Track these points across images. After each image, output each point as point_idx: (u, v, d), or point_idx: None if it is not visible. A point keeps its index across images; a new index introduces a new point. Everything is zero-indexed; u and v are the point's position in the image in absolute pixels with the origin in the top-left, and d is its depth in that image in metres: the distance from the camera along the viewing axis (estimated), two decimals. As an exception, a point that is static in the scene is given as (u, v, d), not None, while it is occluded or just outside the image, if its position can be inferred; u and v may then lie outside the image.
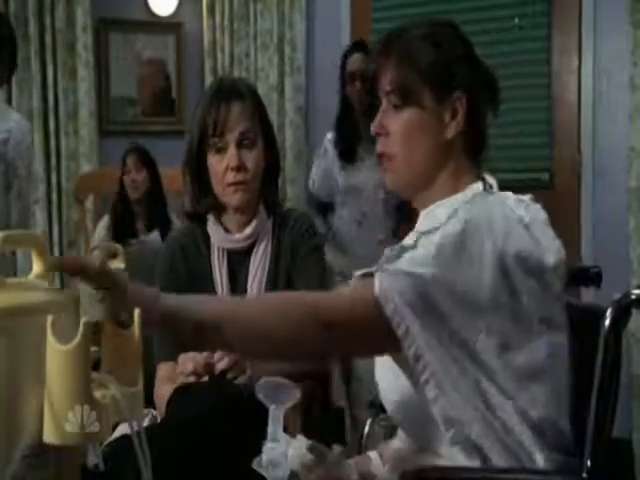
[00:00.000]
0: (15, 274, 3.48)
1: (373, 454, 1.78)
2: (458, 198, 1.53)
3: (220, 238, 2.21)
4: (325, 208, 4.17)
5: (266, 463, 1.44)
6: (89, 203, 4.90)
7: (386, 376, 1.60)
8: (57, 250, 4.89)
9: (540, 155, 4.32)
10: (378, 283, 1.40)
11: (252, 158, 2.15)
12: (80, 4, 4.98)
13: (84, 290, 1.25)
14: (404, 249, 1.44)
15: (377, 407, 1.82)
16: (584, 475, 1.31)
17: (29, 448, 1.06)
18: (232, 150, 2.13)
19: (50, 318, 1.04)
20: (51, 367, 1.04)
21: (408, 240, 1.48)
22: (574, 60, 4.24)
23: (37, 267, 1.19)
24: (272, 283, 2.20)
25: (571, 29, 4.23)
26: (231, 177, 2.14)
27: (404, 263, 1.41)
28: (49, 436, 1.04)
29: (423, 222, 1.55)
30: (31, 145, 3.54)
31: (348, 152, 3.99)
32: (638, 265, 3.89)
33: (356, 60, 3.95)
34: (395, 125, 1.59)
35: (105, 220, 4.58)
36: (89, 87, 5.04)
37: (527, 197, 1.53)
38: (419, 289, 1.37)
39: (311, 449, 1.44)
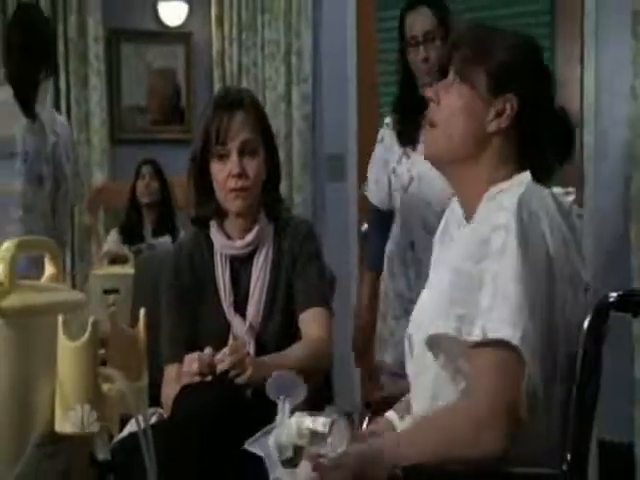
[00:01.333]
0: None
1: (390, 414, 1.82)
2: (513, 192, 1.54)
3: (222, 244, 2.28)
4: (389, 221, 3.22)
5: (273, 447, 1.51)
6: (100, 214, 5.02)
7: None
8: (69, 254, 4.97)
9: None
10: (511, 333, 1.39)
11: (253, 166, 2.23)
12: (92, 15, 5.07)
13: None
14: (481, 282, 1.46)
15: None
16: (564, 467, 1.37)
17: (42, 437, 1.14)
18: (234, 158, 2.21)
19: (61, 317, 1.12)
20: (61, 362, 1.12)
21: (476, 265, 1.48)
22: (576, 70, 4.29)
23: (49, 270, 1.27)
24: (273, 288, 2.27)
25: (573, 40, 4.28)
26: (232, 183, 2.21)
27: (503, 308, 1.41)
28: (60, 425, 1.12)
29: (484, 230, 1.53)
30: (75, 147, 3.66)
31: (410, 132, 3.03)
32: (639, 272, 3.91)
33: (417, 20, 3.05)
34: (445, 96, 1.65)
35: (115, 231, 4.74)
36: (101, 96, 5.13)
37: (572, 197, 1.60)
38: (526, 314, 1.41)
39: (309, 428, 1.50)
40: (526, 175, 1.60)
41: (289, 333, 2.25)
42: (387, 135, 3.19)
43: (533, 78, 1.65)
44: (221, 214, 2.29)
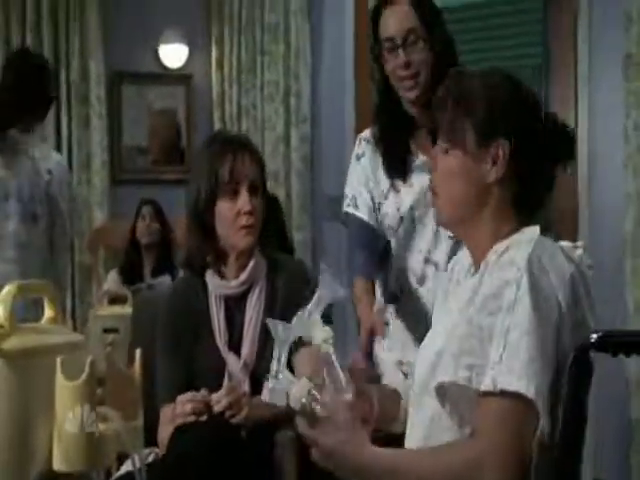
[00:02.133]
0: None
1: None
2: (521, 245, 1.56)
3: (217, 285, 2.32)
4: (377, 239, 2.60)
5: (265, 391, 1.55)
6: (100, 253, 5.08)
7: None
8: (69, 293, 5.01)
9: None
10: (525, 387, 1.41)
11: (259, 204, 2.29)
12: (94, 58, 5.17)
13: None
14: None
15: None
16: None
17: (40, 475, 1.17)
18: (245, 196, 2.25)
19: (59, 358, 1.16)
20: (59, 402, 1.16)
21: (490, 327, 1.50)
22: (570, 111, 4.35)
23: (48, 313, 1.31)
24: (267, 329, 2.30)
25: (567, 82, 4.34)
26: (244, 220, 2.25)
27: (516, 361, 1.44)
28: (59, 464, 1.16)
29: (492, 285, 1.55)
30: (71, 183, 3.70)
31: (398, 161, 2.53)
32: (634, 309, 3.95)
33: (394, 18, 2.49)
34: (440, 165, 1.68)
35: (115, 271, 4.79)
36: (102, 137, 5.21)
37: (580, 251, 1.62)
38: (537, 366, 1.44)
39: (314, 393, 1.52)
40: (535, 230, 1.62)
41: None
42: (369, 155, 2.61)
43: (518, 115, 1.64)
44: (220, 255, 2.33)
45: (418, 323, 2.46)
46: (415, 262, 2.52)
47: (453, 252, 2.37)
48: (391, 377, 2.54)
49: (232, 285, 2.32)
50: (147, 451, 2.15)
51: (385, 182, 2.56)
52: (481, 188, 1.62)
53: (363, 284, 2.50)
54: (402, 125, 2.55)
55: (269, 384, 1.55)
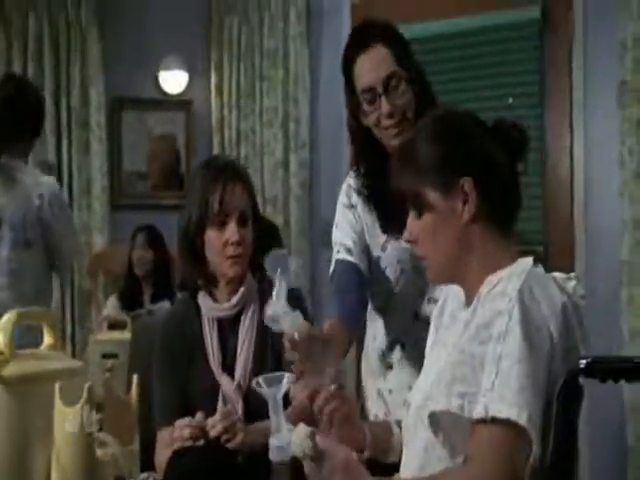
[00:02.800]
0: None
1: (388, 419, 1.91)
2: (513, 279, 1.57)
3: (209, 307, 2.35)
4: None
5: (273, 451, 1.57)
6: (100, 279, 5.10)
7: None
8: (69, 318, 5.03)
9: (533, 229, 4.41)
10: (517, 413, 1.43)
11: (248, 233, 2.31)
12: (94, 84, 5.23)
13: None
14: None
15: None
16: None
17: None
18: (233, 227, 2.27)
19: (58, 384, 1.19)
20: (57, 427, 1.18)
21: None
22: (566, 137, 4.39)
23: (48, 339, 1.34)
24: (261, 348, 2.33)
25: (563, 108, 4.38)
26: (231, 250, 2.28)
27: (507, 388, 1.46)
28: (56, 488, 1.19)
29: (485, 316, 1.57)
30: (65, 205, 3.72)
31: (393, 220, 2.30)
32: (630, 337, 3.96)
33: (371, 65, 2.30)
34: (417, 231, 1.69)
35: (114, 297, 4.82)
36: (102, 162, 5.25)
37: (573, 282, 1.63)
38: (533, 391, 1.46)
39: (312, 436, 1.53)
40: (528, 261, 1.63)
41: None
42: (362, 207, 2.47)
43: (468, 149, 1.66)
44: (210, 280, 2.36)
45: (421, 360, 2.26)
46: (418, 304, 2.42)
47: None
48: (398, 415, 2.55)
49: (224, 307, 2.35)
50: (145, 475, 2.16)
51: (382, 236, 2.43)
52: (463, 230, 1.64)
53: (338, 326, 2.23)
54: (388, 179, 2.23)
55: (274, 442, 1.59)
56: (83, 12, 5.25)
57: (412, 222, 1.71)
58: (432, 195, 1.65)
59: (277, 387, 1.60)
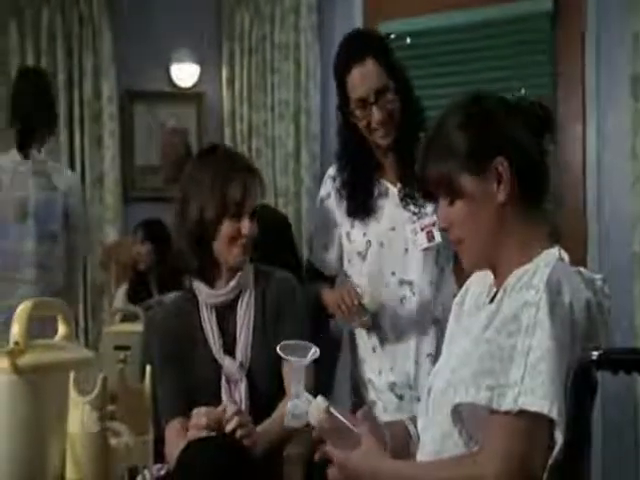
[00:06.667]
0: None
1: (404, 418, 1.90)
2: (540, 269, 1.57)
3: (206, 294, 2.41)
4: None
5: (289, 415, 1.62)
6: (112, 270, 5.11)
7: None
8: (82, 311, 5.04)
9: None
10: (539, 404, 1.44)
11: (254, 226, 2.39)
12: (106, 78, 5.23)
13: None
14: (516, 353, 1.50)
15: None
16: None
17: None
18: (247, 221, 2.35)
19: (72, 374, 1.20)
20: (72, 417, 1.19)
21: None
22: (579, 130, 4.37)
23: (62, 330, 1.35)
24: (260, 329, 2.38)
25: (575, 100, 4.36)
26: (243, 242, 2.36)
27: (535, 375, 1.46)
28: (71, 477, 1.19)
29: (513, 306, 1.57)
30: (85, 200, 3.75)
31: (363, 205, 2.65)
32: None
33: (363, 77, 2.56)
34: (452, 217, 1.70)
35: (123, 289, 4.84)
36: (114, 156, 5.26)
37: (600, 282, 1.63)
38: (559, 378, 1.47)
39: (327, 410, 1.59)
40: (553, 253, 1.64)
41: (279, 371, 2.35)
42: (333, 195, 2.74)
43: (498, 131, 1.67)
44: (212, 266, 2.39)
45: (401, 342, 2.61)
46: (391, 284, 2.61)
47: (426, 269, 2.57)
48: (385, 400, 2.65)
49: (221, 293, 2.41)
50: (159, 466, 2.18)
51: (346, 218, 2.69)
52: (499, 210, 1.65)
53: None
54: (371, 170, 2.67)
55: (290, 406, 1.61)
56: (95, 6, 5.24)
57: (444, 209, 1.71)
58: (466, 180, 1.66)
59: (301, 355, 1.63)
